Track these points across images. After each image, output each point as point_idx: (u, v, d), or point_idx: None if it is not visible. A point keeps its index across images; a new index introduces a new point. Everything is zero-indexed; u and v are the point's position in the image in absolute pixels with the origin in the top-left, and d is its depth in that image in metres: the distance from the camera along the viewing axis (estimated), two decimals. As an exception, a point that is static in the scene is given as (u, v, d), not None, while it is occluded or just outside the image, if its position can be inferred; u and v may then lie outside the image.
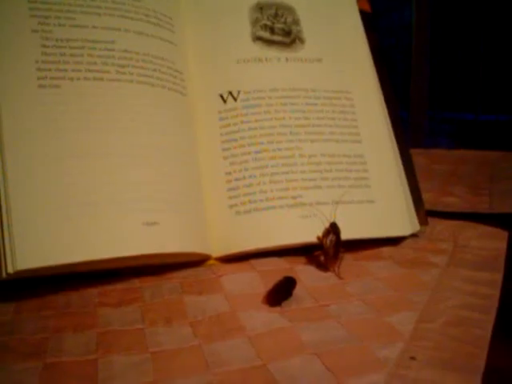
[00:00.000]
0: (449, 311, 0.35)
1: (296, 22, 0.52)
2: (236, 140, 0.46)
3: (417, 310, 0.35)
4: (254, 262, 0.44)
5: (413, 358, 0.29)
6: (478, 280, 0.40)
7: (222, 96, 0.48)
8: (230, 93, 0.48)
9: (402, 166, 0.51)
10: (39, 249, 0.36)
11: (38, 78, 0.40)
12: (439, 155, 0.89)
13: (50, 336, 0.32)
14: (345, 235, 0.43)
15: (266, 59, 0.50)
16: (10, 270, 0.35)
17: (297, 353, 0.30)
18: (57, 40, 0.41)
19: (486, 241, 0.48)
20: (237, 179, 0.45)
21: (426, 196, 0.52)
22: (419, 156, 0.78)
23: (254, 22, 0.51)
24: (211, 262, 0.44)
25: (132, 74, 0.43)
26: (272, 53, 0.50)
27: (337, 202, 0.45)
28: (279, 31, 0.51)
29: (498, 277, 0.40)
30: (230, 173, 0.46)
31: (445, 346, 0.31)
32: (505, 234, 0.49)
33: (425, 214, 0.51)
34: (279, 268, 0.43)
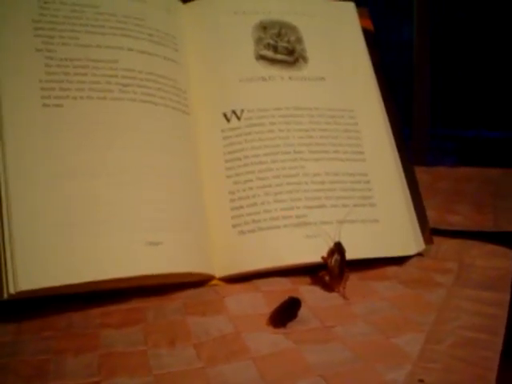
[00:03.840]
0: (456, 332, 0.34)
1: (299, 40, 0.52)
2: (239, 159, 0.46)
3: (423, 331, 0.35)
4: (258, 282, 0.43)
5: (421, 381, 0.29)
6: (485, 300, 0.39)
7: (225, 115, 0.48)
8: (234, 112, 0.48)
9: (406, 185, 0.50)
10: (41, 269, 0.35)
11: (42, 97, 0.40)
12: (442, 173, 0.89)
13: (51, 358, 0.32)
14: (349, 255, 0.42)
15: (270, 78, 0.50)
16: (12, 290, 0.35)
17: (302, 375, 0.30)
18: (60, 59, 0.41)
19: (492, 260, 0.48)
20: (240, 198, 0.45)
21: (429, 214, 0.52)
22: (422, 174, 0.78)
23: (258, 41, 0.51)
24: (215, 282, 0.44)
25: (135, 92, 0.43)
26: (275, 71, 0.50)
27: (341, 222, 0.45)
28: (283, 50, 0.51)
29: (505, 296, 0.40)
30: (233, 192, 0.45)
31: (453, 368, 0.30)
32: (510, 253, 0.49)
33: (430, 232, 0.50)
34: (283, 288, 0.42)
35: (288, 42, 0.52)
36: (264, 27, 0.51)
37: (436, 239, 0.51)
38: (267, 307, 0.38)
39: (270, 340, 0.34)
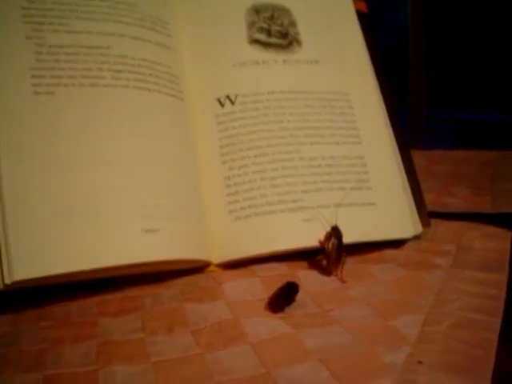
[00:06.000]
0: (455, 313, 0.34)
1: (292, 23, 0.51)
2: (234, 144, 0.46)
3: (422, 313, 0.35)
4: (255, 267, 0.43)
5: (420, 362, 0.29)
6: (483, 281, 0.39)
7: (219, 100, 0.47)
8: (228, 97, 0.47)
9: (402, 167, 0.50)
10: (37, 258, 0.35)
11: (33, 85, 0.39)
12: (439, 156, 0.89)
13: (49, 347, 0.32)
14: (347, 238, 0.42)
15: (263, 62, 0.49)
16: (8, 280, 0.34)
17: (301, 359, 0.30)
18: (51, 46, 0.41)
19: (490, 241, 0.47)
20: (236, 184, 0.45)
21: (427, 197, 0.52)
22: (419, 157, 0.78)
23: (251, 25, 0.50)
24: (212, 268, 0.43)
25: (128, 79, 0.43)
26: (269, 55, 0.50)
27: (338, 205, 0.45)
28: (276, 33, 0.51)
29: (504, 277, 0.40)
30: (229, 177, 0.45)
31: (452, 350, 0.30)
32: (508, 234, 0.49)
33: (427, 215, 0.50)
34: (281, 273, 0.42)
35: (281, 25, 0.51)
36: (256, 11, 0.51)
37: (433, 222, 0.51)
38: (265, 292, 0.38)
39: (268, 325, 0.34)
